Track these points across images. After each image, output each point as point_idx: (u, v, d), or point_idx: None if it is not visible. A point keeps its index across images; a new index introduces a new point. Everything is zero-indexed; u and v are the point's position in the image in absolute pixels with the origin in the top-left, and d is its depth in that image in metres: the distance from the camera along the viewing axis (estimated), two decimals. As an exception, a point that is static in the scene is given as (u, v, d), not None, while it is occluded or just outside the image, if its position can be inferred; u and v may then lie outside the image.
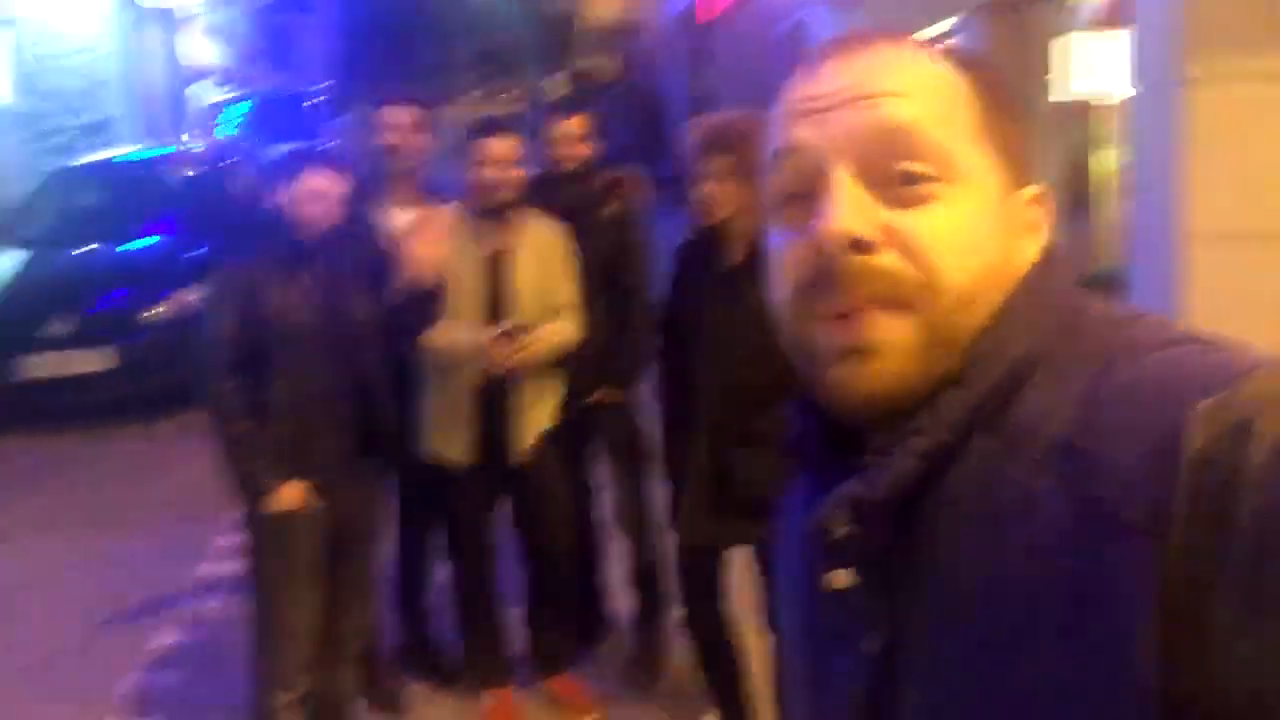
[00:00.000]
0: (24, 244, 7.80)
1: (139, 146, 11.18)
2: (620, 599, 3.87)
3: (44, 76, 12.80)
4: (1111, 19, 5.73)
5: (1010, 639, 0.65)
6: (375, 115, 3.46)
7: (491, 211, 3.22)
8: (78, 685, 3.81)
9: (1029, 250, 0.77)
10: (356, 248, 3.16)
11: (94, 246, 7.79)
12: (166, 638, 4.13)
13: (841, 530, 0.73)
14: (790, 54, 11.80)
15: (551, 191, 3.57)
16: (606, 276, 3.44)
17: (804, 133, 0.75)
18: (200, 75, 18.44)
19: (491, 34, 32.66)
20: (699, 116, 2.87)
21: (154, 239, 7.73)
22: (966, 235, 0.72)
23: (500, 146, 3.21)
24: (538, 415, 3.33)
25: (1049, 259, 0.77)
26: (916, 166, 0.72)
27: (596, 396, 3.51)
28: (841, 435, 0.77)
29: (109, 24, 14.55)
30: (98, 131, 13.54)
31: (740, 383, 2.66)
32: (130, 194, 8.53)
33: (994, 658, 0.66)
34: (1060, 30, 5.94)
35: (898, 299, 0.71)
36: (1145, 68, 4.40)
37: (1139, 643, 0.59)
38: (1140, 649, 0.59)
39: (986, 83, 0.77)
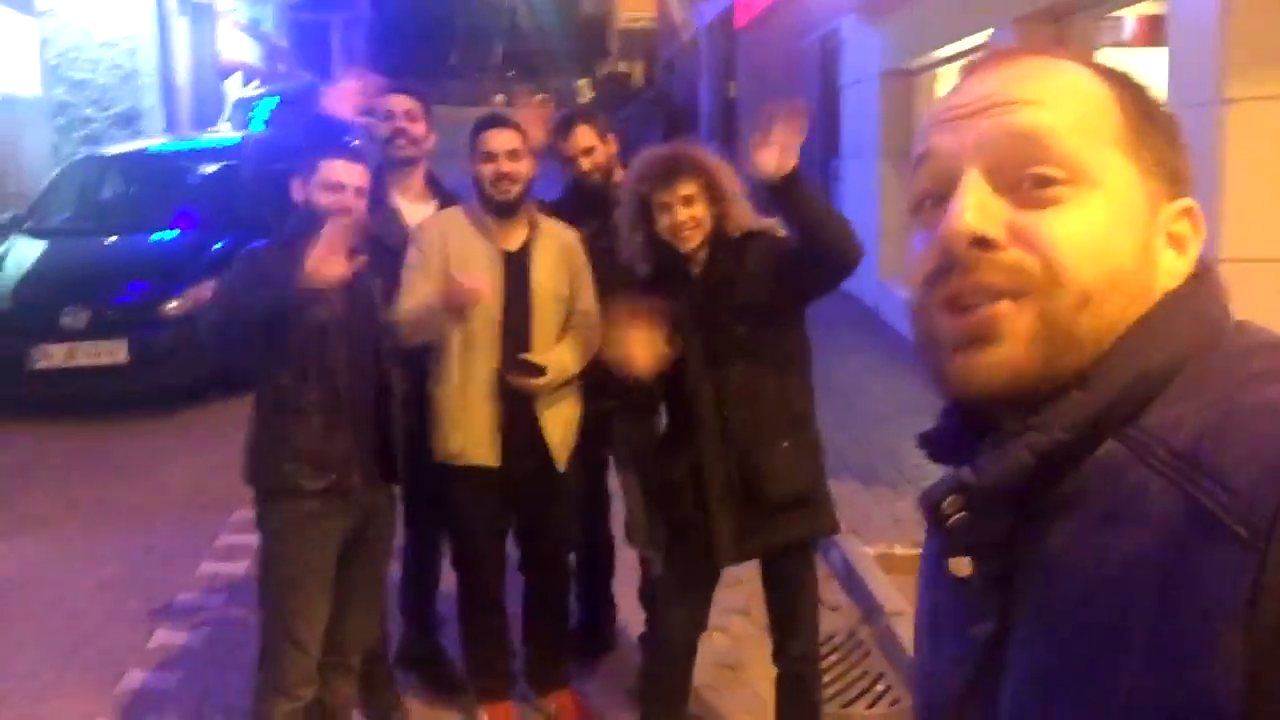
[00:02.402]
0: (45, 233, 7.81)
1: (166, 139, 11.22)
2: (628, 613, 3.80)
3: (74, 67, 12.89)
4: (1149, 36, 5.63)
5: (1106, 637, 0.66)
6: (378, 104, 3.42)
7: (502, 207, 3.16)
8: (76, 684, 3.76)
9: (1174, 263, 0.77)
10: (377, 241, 3.12)
11: (115, 238, 7.79)
12: (167, 637, 4.08)
13: (956, 516, 0.76)
14: (821, 65, 11.72)
15: (578, 202, 3.53)
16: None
17: (941, 139, 0.79)
18: (231, 70, 18.55)
19: (521, 37, 32.78)
20: (651, 149, 2.88)
21: (176, 232, 7.71)
22: (1095, 238, 0.74)
23: (501, 138, 3.16)
24: (563, 421, 3.25)
25: (1199, 274, 0.77)
26: (1047, 170, 0.74)
27: (613, 405, 3.44)
28: (981, 429, 0.78)
29: (141, 16, 14.65)
30: (127, 123, 13.63)
31: (743, 384, 2.72)
32: (155, 186, 8.55)
33: (1089, 654, 0.67)
34: (1099, 45, 5.84)
35: (1018, 288, 0.74)
36: (1181, 87, 4.31)
37: (1221, 652, 0.60)
38: (1222, 658, 0.60)
39: (1134, 94, 0.79)
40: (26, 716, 3.60)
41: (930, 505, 0.78)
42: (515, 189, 3.15)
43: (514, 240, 3.19)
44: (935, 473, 0.81)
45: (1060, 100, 0.76)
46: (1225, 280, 0.78)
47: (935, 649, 0.85)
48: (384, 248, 3.17)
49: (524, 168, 3.17)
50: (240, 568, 4.48)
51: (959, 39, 7.39)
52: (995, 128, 0.76)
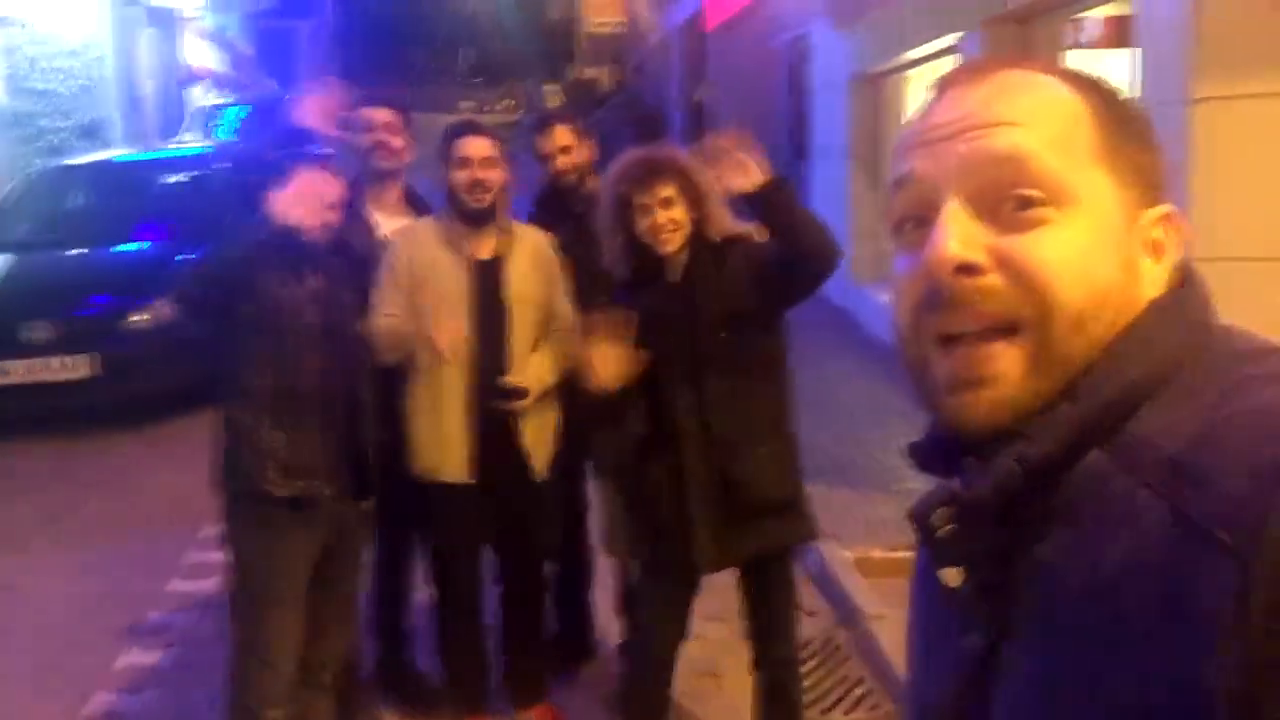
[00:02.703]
0: (6, 246, 7.67)
1: (130, 149, 11.08)
2: (606, 622, 3.77)
3: (37, 77, 12.72)
4: (1114, 37, 5.67)
5: (1102, 644, 0.66)
6: (356, 116, 3.39)
7: (474, 215, 3.13)
8: (44, 706, 3.68)
9: (1153, 270, 0.77)
10: (349, 253, 3.09)
11: (79, 250, 7.67)
12: (137, 656, 4.00)
13: (944, 528, 0.77)
14: (790, 68, 11.76)
15: (555, 203, 3.51)
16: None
17: (919, 162, 0.79)
18: (197, 79, 18.37)
19: (488, 44, 32.70)
20: (637, 149, 2.87)
21: (142, 244, 7.59)
22: (1081, 257, 0.73)
23: (476, 145, 3.13)
24: (541, 430, 3.21)
25: (1182, 281, 0.77)
26: (1028, 192, 0.74)
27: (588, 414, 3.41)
28: (969, 441, 0.78)
29: (105, 25, 14.48)
30: (91, 133, 13.45)
31: (722, 391, 2.71)
32: (120, 197, 8.41)
33: (1086, 662, 0.67)
34: (1065, 47, 5.87)
35: (1007, 320, 0.73)
36: (1151, 87, 4.34)
37: (1214, 657, 0.60)
38: (1212, 667, 0.60)
39: (1107, 104, 0.78)
40: (-8, 741, 3.53)
41: (920, 517, 0.79)
42: (489, 196, 3.12)
43: (485, 248, 3.16)
44: (912, 475, 0.81)
45: (1037, 118, 0.75)
46: (1207, 284, 0.78)
47: (926, 659, 0.86)
48: (358, 260, 3.14)
49: (498, 175, 3.14)
50: (210, 585, 4.41)
51: (926, 42, 7.42)
52: (974, 151, 0.75)
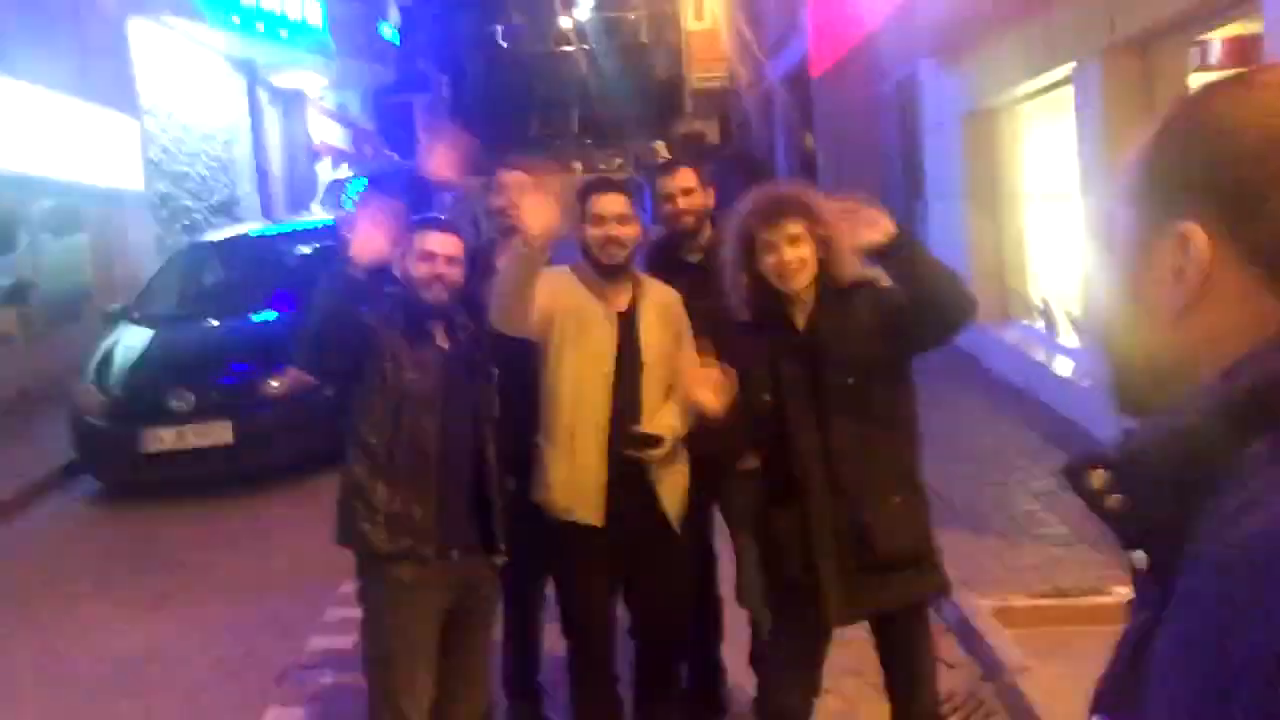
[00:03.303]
0: (152, 320, 8.10)
1: (263, 224, 11.61)
2: (738, 677, 3.70)
3: (174, 161, 13.47)
4: (1236, 58, 5.45)
5: (1229, 614, 0.66)
6: (491, 179, 3.49)
7: (610, 270, 3.16)
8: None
9: None
10: (475, 313, 3.15)
11: (217, 322, 8.04)
12: (280, 714, 4.10)
13: (1111, 498, 0.78)
14: (900, 109, 11.65)
15: (674, 250, 3.52)
16: None
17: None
18: (322, 154, 19.22)
19: (598, 105, 33.29)
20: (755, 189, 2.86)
21: (275, 313, 7.93)
22: None
23: (611, 201, 3.16)
24: (676, 481, 3.20)
25: None
26: None
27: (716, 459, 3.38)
28: None
29: (238, 108, 15.29)
30: (225, 211, 14.18)
31: (848, 438, 2.67)
32: (253, 269, 8.82)
33: (1212, 631, 0.67)
34: (1188, 71, 5.67)
35: None
36: None
37: None
38: None
39: None
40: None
41: (1074, 475, 0.80)
42: (623, 253, 3.15)
43: (621, 300, 3.19)
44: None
45: None
46: None
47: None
48: (481, 316, 3.19)
49: (632, 231, 3.17)
50: (349, 641, 4.50)
51: (1040, 74, 7.26)
52: None
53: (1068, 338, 7.39)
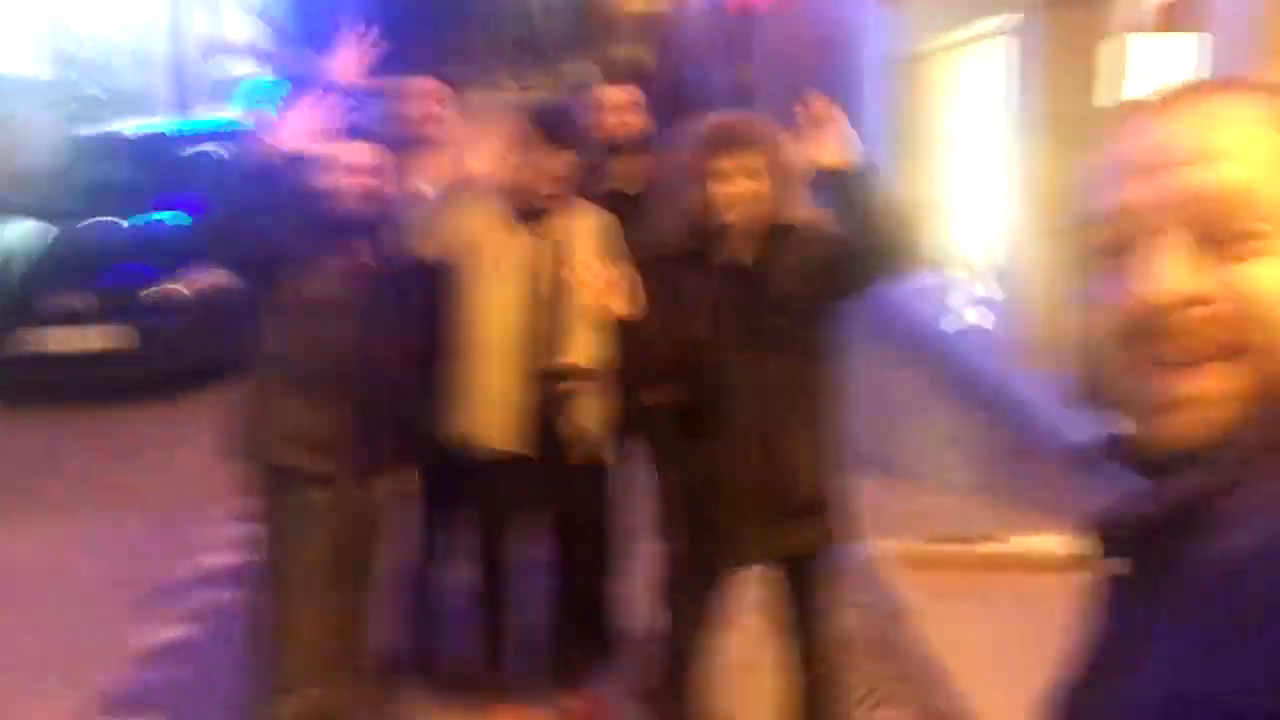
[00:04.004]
0: (51, 216, 7.68)
1: (166, 118, 11.07)
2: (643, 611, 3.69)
3: (76, 46, 12.74)
4: (1170, 21, 5.48)
5: (1223, 632, 0.67)
6: (402, 85, 3.32)
7: (530, 209, 3.04)
8: (71, 679, 3.66)
9: None
10: (391, 224, 3.03)
11: (119, 220, 7.67)
12: (165, 631, 3.98)
13: (1125, 532, 0.79)
14: (839, 49, 11.56)
15: (602, 168, 3.38)
16: None
17: (1135, 192, 0.79)
18: (235, 51, 18.40)
19: (523, 22, 32.57)
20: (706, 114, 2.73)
21: (177, 214, 7.58)
22: None
23: (550, 156, 3.01)
24: (597, 409, 3.11)
25: None
26: (1250, 225, 0.75)
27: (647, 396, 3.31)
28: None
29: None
30: (128, 103, 13.49)
31: (778, 377, 2.60)
32: (164, 167, 8.39)
33: (1208, 649, 0.68)
34: (1122, 30, 5.69)
35: (1233, 346, 0.74)
36: (1220, 72, 4.17)
37: None
38: None
39: None
40: (15, 713, 3.50)
41: (1105, 526, 0.81)
42: (549, 198, 3.03)
43: (548, 231, 3.06)
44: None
45: (1255, 149, 0.76)
46: None
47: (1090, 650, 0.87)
48: (395, 228, 3.07)
49: (563, 177, 3.03)
50: (240, 559, 4.38)
51: (980, 21, 7.24)
52: (1193, 184, 0.76)
53: (985, 287, 7.48)
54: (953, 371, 6.76)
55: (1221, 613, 0.69)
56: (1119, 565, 0.80)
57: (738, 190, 2.55)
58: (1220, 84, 0.81)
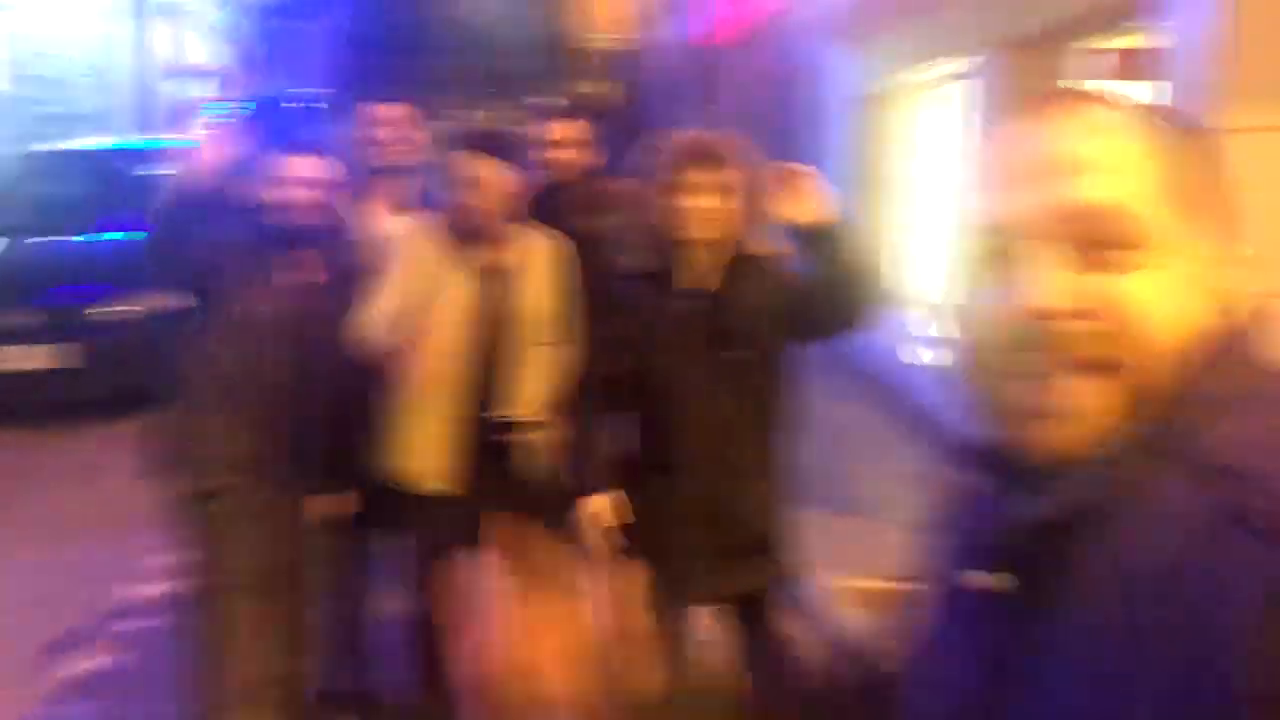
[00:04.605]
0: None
1: (119, 138, 10.91)
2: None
3: (34, 63, 12.58)
4: (1128, 69, 5.56)
5: (1132, 644, 0.68)
6: (365, 110, 3.28)
7: (475, 231, 2.95)
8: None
9: (1229, 309, 0.79)
10: (337, 245, 2.97)
11: (66, 237, 7.50)
12: (89, 662, 3.83)
13: (1014, 541, 0.79)
14: (800, 88, 11.67)
15: (550, 201, 3.34)
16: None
17: (1002, 204, 0.80)
18: (197, 73, 18.26)
19: (491, 54, 32.75)
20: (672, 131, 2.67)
21: (123, 234, 7.41)
22: (1168, 300, 0.76)
23: (487, 170, 2.89)
24: (540, 451, 3.02)
25: (1251, 320, 0.80)
26: (1116, 237, 0.76)
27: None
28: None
29: (118, 15, 14.38)
30: (88, 121, 13.30)
31: (733, 412, 2.52)
32: (104, 185, 8.21)
33: (1116, 661, 0.69)
34: (1082, 77, 5.76)
35: (1103, 361, 0.75)
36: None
37: (1243, 644, 0.63)
38: (1243, 651, 0.62)
39: (1185, 144, 0.80)
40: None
41: (991, 539, 0.81)
42: (491, 219, 2.93)
43: (495, 258, 2.97)
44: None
45: (1122, 162, 0.77)
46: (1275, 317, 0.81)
47: (938, 662, 0.86)
48: (342, 249, 3.00)
49: (506, 197, 2.93)
50: (170, 587, 4.24)
51: (934, 64, 7.32)
52: (1071, 196, 0.76)
53: (937, 327, 7.52)
54: (909, 408, 6.76)
55: (1124, 629, 0.69)
56: (991, 579, 0.80)
57: (708, 205, 2.46)
58: (1092, 96, 0.82)
